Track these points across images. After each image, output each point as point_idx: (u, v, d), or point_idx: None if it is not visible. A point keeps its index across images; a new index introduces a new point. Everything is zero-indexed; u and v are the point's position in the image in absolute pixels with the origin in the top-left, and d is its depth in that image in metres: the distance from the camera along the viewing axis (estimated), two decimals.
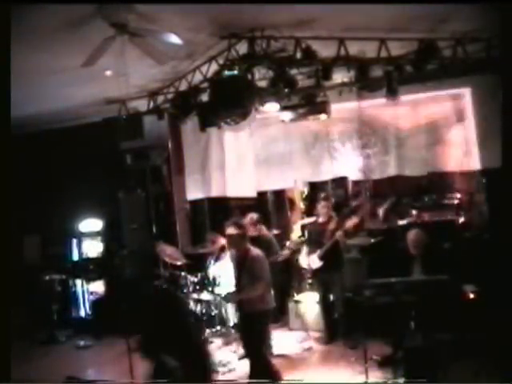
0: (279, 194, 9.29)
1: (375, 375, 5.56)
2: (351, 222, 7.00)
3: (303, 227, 8.30)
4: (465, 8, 5.18)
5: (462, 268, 5.95)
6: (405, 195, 8.20)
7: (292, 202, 9.50)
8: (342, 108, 7.77)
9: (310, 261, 7.11)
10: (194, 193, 9.16)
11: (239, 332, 6.13)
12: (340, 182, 8.62)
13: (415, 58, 6.00)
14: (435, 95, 7.55)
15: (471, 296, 6.09)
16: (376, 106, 7.69)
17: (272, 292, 5.57)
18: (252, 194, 8.82)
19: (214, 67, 6.62)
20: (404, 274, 5.62)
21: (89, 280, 8.98)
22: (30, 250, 9.37)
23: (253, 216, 7.38)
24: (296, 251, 7.76)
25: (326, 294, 7.17)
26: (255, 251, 5.37)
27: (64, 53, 5.59)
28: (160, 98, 7.92)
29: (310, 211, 8.71)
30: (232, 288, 5.76)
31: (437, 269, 5.45)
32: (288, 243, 8.13)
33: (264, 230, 7.63)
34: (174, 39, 4.92)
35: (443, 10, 5.29)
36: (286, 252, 7.55)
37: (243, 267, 5.37)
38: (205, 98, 7.05)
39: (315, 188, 8.91)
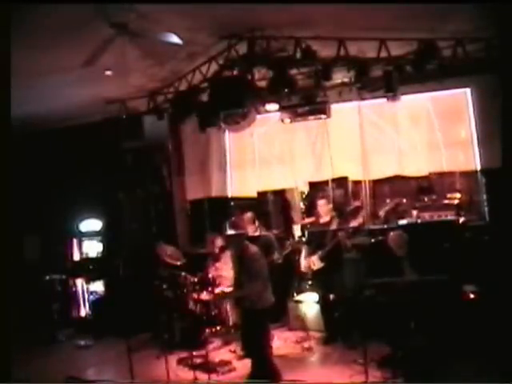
0: (279, 194, 9.28)
1: (375, 375, 5.56)
2: (354, 224, 6.97)
3: (303, 227, 8.29)
4: (465, 8, 5.18)
5: (462, 268, 5.95)
6: (405, 195, 8.20)
7: (292, 202, 9.49)
8: (342, 108, 7.78)
9: (310, 262, 7.09)
10: (193, 193, 9.16)
11: (240, 331, 6.12)
12: (340, 181, 8.61)
13: (415, 58, 6.00)
14: (435, 95, 7.55)
15: (471, 296, 6.10)
16: (376, 106, 7.68)
17: (270, 289, 5.54)
18: (252, 193, 8.82)
19: (214, 67, 6.62)
20: (396, 274, 5.61)
21: (89, 280, 8.99)
22: (30, 250, 9.36)
23: (249, 215, 7.42)
24: (296, 251, 7.76)
25: (326, 294, 7.15)
26: (253, 249, 5.38)
27: (64, 53, 5.59)
28: (160, 98, 7.92)
29: (310, 211, 8.71)
30: (231, 288, 5.77)
31: (425, 267, 5.45)
32: (288, 243, 8.13)
33: (264, 230, 7.64)
34: (174, 39, 4.92)
35: (443, 10, 5.29)
36: (286, 252, 7.57)
37: (241, 266, 5.38)
38: (205, 98, 7.05)
39: (315, 188, 8.90)
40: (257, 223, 7.67)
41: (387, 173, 8.05)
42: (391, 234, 6.20)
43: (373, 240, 7.47)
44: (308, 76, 6.72)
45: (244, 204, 8.78)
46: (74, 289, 9.05)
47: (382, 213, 7.97)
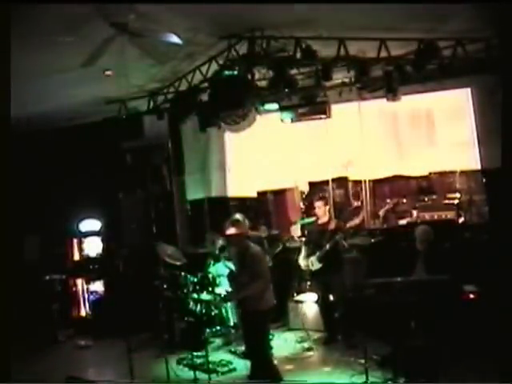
0: (279, 194, 9.28)
1: (375, 375, 5.56)
2: (352, 224, 6.98)
3: (303, 227, 8.30)
4: (465, 8, 5.17)
5: (462, 268, 5.95)
6: (405, 195, 8.20)
7: (292, 202, 9.49)
8: (342, 107, 7.78)
9: (309, 263, 7.09)
10: (193, 193, 9.16)
11: (242, 331, 6.11)
12: (340, 181, 8.62)
13: (415, 58, 6.00)
14: (435, 95, 7.55)
15: (471, 296, 6.10)
16: (376, 106, 7.69)
17: (272, 290, 5.54)
18: (252, 193, 8.83)
19: (214, 67, 6.62)
20: (406, 272, 5.63)
21: (89, 280, 8.99)
22: (30, 250, 9.37)
23: (237, 216, 7.45)
24: (296, 251, 7.75)
25: (326, 294, 7.15)
26: (255, 248, 5.37)
27: (64, 53, 5.59)
28: (160, 98, 7.92)
29: (309, 211, 8.72)
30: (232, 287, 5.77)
31: (439, 266, 5.47)
32: (287, 243, 8.14)
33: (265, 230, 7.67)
34: (174, 39, 4.92)
35: (443, 10, 5.28)
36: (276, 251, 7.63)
37: (243, 265, 5.37)
38: (205, 97, 7.05)
39: (315, 188, 8.90)
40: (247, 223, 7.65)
41: (387, 173, 8.05)
42: (420, 226, 6.29)
43: (373, 240, 7.49)
44: (308, 76, 6.72)
45: (244, 204, 8.78)
46: (74, 289, 9.06)
47: (381, 213, 7.98)
